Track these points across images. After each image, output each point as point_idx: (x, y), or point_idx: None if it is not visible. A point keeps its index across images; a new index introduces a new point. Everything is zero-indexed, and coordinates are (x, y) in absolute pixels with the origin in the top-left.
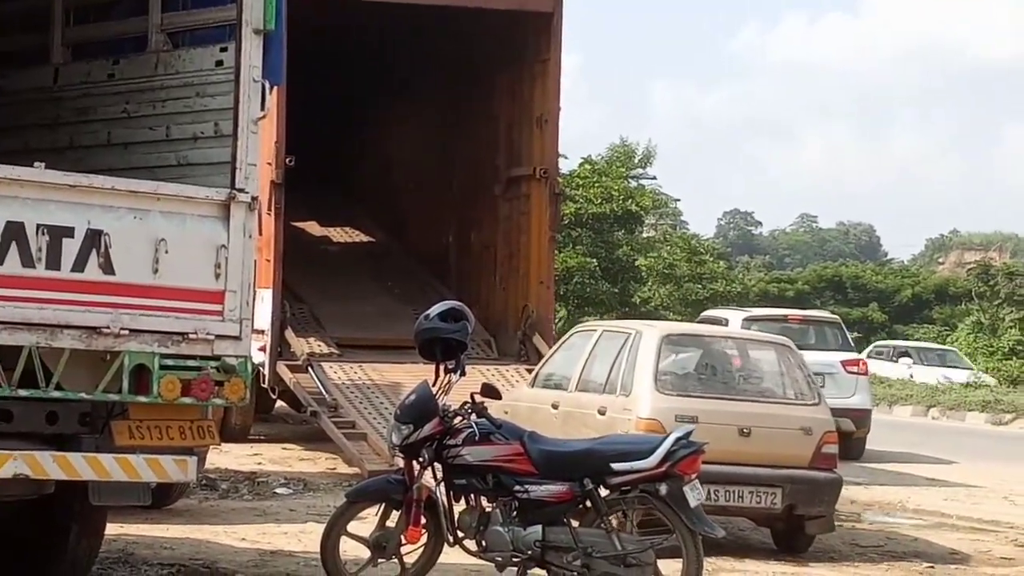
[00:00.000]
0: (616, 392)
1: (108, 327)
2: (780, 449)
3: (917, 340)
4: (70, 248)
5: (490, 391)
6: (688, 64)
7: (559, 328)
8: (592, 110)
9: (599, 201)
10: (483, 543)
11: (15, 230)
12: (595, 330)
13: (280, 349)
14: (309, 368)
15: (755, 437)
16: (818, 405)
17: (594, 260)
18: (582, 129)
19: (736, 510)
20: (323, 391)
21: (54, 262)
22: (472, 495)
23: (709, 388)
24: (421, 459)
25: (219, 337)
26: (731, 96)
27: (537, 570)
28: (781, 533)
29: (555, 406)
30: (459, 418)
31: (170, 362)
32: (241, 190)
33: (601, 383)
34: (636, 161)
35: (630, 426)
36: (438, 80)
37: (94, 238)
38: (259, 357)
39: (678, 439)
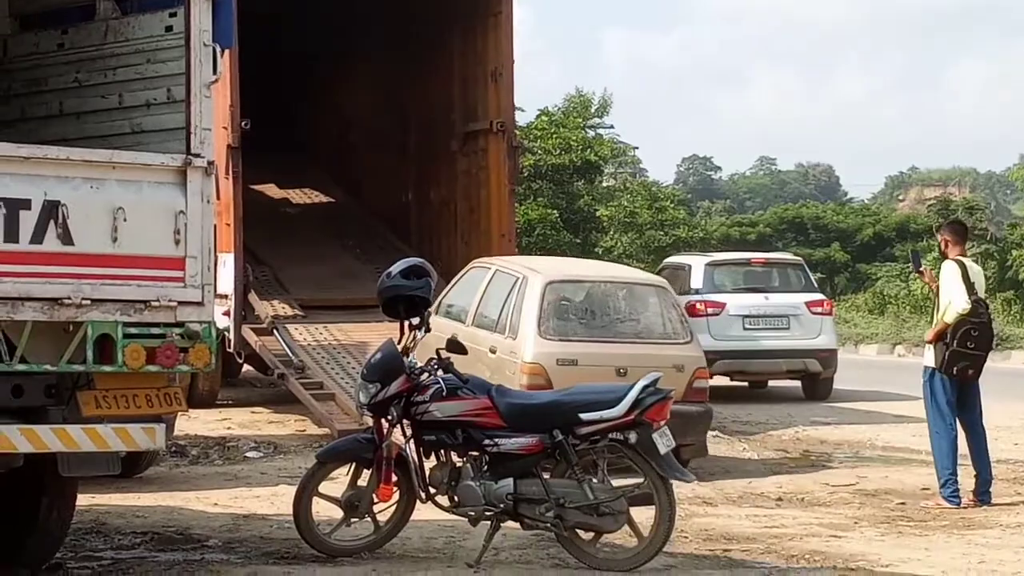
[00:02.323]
0: (505, 333)
1: (70, 298)
2: None
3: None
4: (28, 220)
5: (455, 346)
6: (638, 11)
7: None
8: (546, 63)
9: (558, 152)
10: (455, 498)
11: None
12: (490, 268)
13: (244, 313)
14: (274, 331)
15: (631, 376)
16: (690, 343)
17: (555, 211)
18: (538, 82)
19: None
20: (289, 353)
21: (12, 235)
22: (442, 451)
23: (589, 331)
24: (390, 417)
25: (182, 303)
26: (682, 42)
27: (511, 523)
28: None
29: None
30: (426, 374)
31: (134, 330)
32: (197, 155)
33: (493, 321)
34: (593, 111)
35: (515, 368)
36: (392, 37)
37: (51, 209)
38: (223, 322)
39: (645, 387)
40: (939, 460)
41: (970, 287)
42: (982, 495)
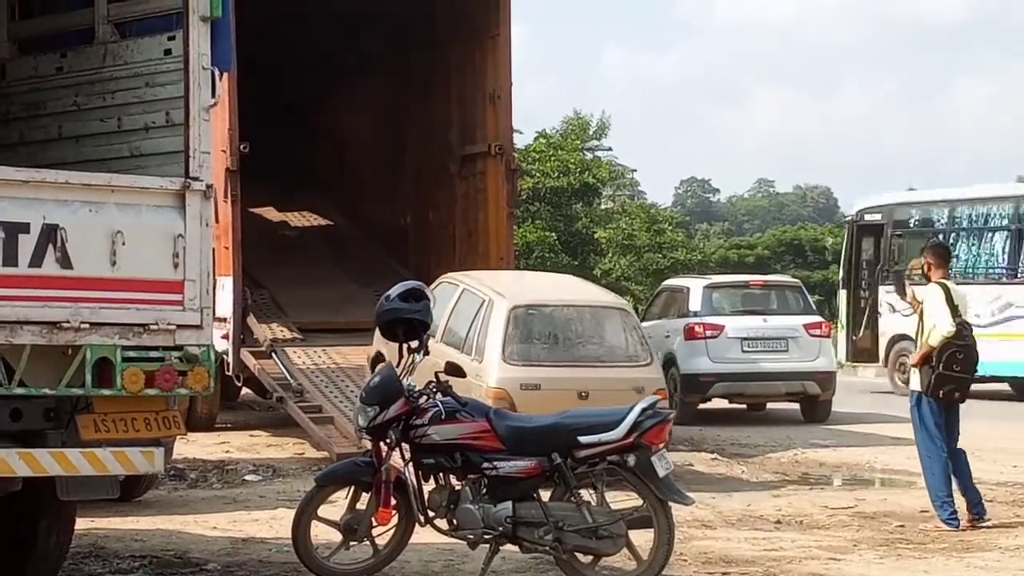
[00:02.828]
0: (472, 355)
1: (68, 321)
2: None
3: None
4: (26, 244)
5: (454, 369)
6: (636, 29)
7: None
8: (544, 82)
9: (556, 175)
10: (454, 521)
11: None
12: (458, 285)
13: (243, 336)
14: (273, 354)
15: (593, 398)
16: (650, 365)
17: (553, 234)
18: (535, 102)
19: None
20: (288, 376)
21: (11, 258)
22: (441, 474)
23: (552, 356)
24: (388, 440)
25: (180, 327)
26: (681, 59)
27: (509, 546)
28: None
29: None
30: (424, 397)
31: (132, 354)
32: (196, 178)
33: (460, 340)
34: (591, 133)
35: (482, 392)
36: (390, 60)
37: (50, 233)
38: (222, 345)
39: (644, 410)
40: (932, 484)
41: (954, 309)
42: (976, 510)
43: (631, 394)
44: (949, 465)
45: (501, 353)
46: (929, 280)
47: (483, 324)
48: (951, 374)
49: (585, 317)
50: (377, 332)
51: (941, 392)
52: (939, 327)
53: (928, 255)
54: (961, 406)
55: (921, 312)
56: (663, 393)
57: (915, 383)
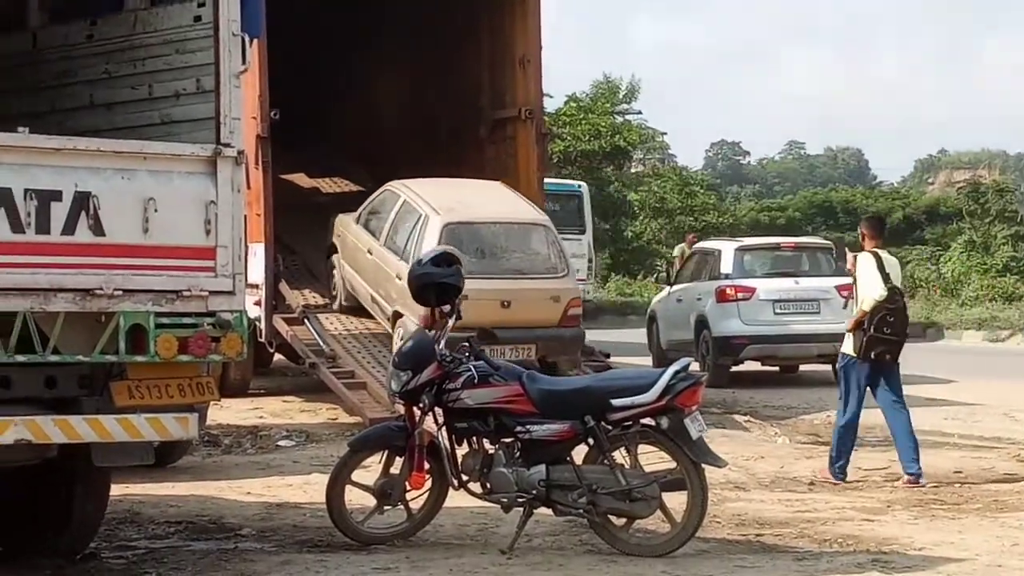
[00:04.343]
0: (409, 263)
1: (101, 288)
2: (534, 315)
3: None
4: (59, 211)
5: (486, 334)
6: None
7: None
8: (574, 46)
9: (587, 138)
10: (487, 485)
11: (3, 196)
12: (399, 196)
13: (275, 302)
14: (305, 320)
15: (514, 307)
16: (566, 276)
17: None
18: (566, 66)
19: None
20: (320, 342)
21: (44, 226)
22: (474, 438)
23: (479, 268)
24: (421, 404)
25: (213, 293)
26: (710, 23)
27: (543, 509)
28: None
29: (370, 252)
30: (457, 362)
31: (165, 320)
32: (227, 145)
33: (400, 248)
34: (621, 97)
35: None
36: (420, 23)
37: (82, 200)
38: (254, 311)
39: (676, 372)
40: (839, 443)
41: (885, 276)
42: (911, 471)
43: (549, 303)
44: (856, 427)
45: None
46: (864, 250)
47: (419, 236)
48: (882, 336)
49: (510, 233)
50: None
51: (873, 354)
52: (871, 293)
53: (864, 226)
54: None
55: (855, 279)
56: (576, 302)
57: (847, 347)
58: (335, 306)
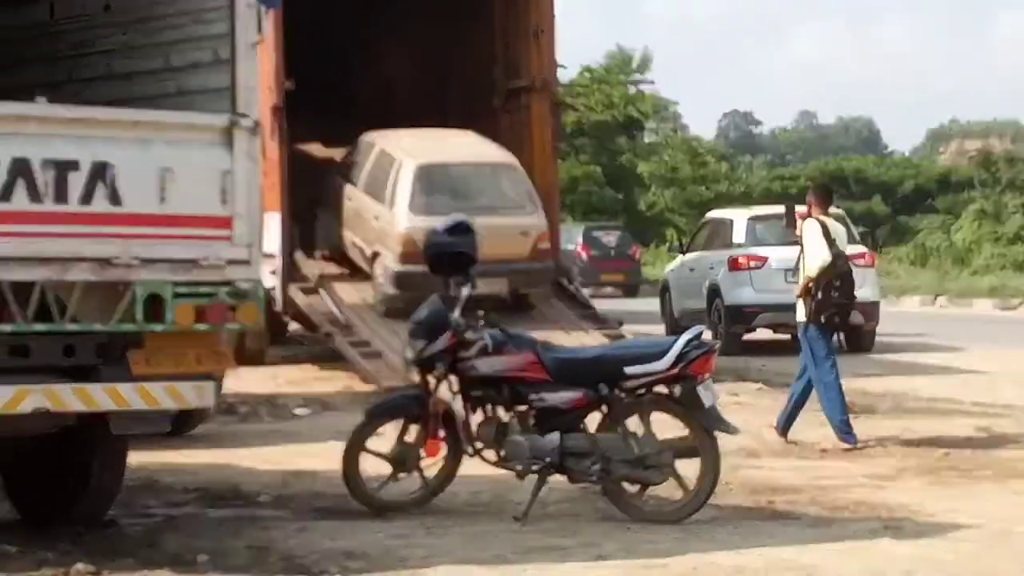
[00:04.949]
0: (385, 204)
1: (119, 257)
2: (505, 250)
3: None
4: (76, 181)
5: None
6: None
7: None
8: (587, 17)
9: (600, 108)
10: (502, 453)
11: (21, 166)
12: (375, 145)
13: (291, 272)
14: (321, 289)
15: (486, 241)
16: (535, 213)
17: (598, 168)
18: (579, 37)
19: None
20: (336, 311)
21: (61, 196)
22: (489, 406)
23: (452, 208)
24: (436, 373)
25: (230, 262)
26: None
27: (557, 476)
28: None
29: (349, 198)
30: (471, 330)
31: (183, 289)
32: (243, 115)
33: (377, 192)
34: (634, 67)
35: (393, 236)
36: None
37: (100, 170)
38: (270, 281)
39: (689, 340)
40: (830, 408)
41: (831, 243)
42: (845, 435)
43: (518, 238)
44: (841, 386)
45: (408, 204)
46: (811, 217)
47: (395, 179)
48: (832, 301)
49: (480, 173)
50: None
51: (823, 318)
52: (817, 259)
53: (811, 195)
54: None
55: (803, 246)
56: (544, 236)
57: (800, 314)
58: (317, 254)
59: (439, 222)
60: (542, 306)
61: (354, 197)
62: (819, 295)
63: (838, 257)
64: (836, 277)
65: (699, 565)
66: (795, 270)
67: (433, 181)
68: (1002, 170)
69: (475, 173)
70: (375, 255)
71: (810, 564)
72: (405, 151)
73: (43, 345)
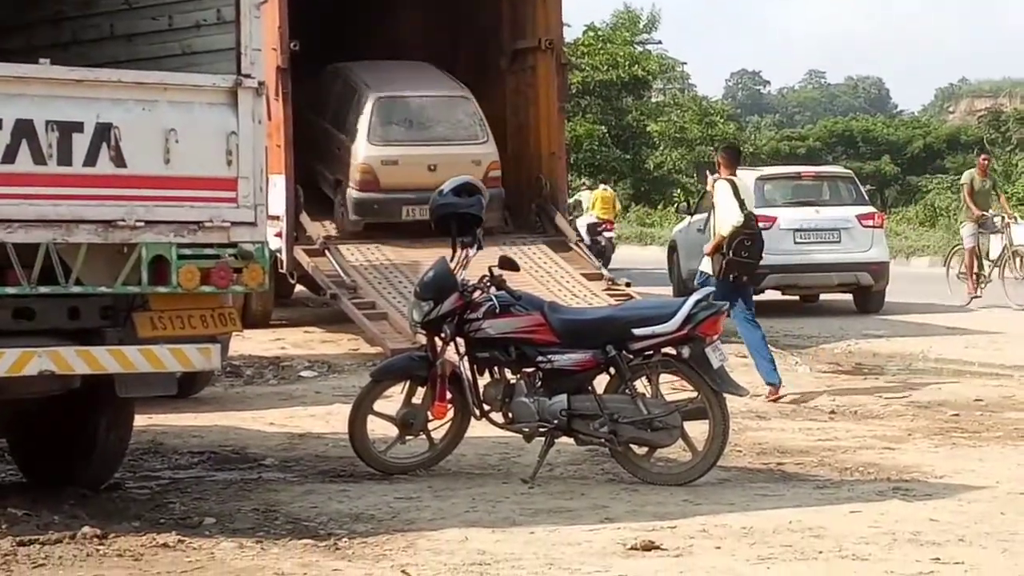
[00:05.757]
0: (345, 135)
1: (123, 220)
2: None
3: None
4: (80, 143)
5: (507, 263)
6: None
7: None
8: None
9: (605, 68)
10: (509, 415)
11: (24, 128)
12: (338, 74)
13: (296, 234)
14: (326, 251)
15: (440, 170)
16: (486, 143)
17: (604, 127)
18: None
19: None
20: (341, 273)
21: (65, 158)
22: (496, 368)
23: (407, 136)
24: (443, 334)
25: (235, 224)
26: None
27: (565, 438)
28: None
29: (318, 130)
30: (478, 292)
31: (188, 251)
32: (247, 76)
33: (340, 123)
34: (641, 26)
35: (353, 166)
36: None
37: (104, 132)
38: (275, 243)
39: (697, 302)
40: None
41: (741, 203)
42: (771, 381)
43: (470, 166)
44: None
45: (367, 135)
46: (720, 177)
47: (355, 109)
48: (740, 260)
49: (436, 104)
50: None
51: (731, 276)
52: (728, 218)
53: (720, 156)
54: None
55: (713, 205)
56: (496, 165)
57: (706, 267)
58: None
59: (446, 184)
60: (496, 228)
61: (319, 128)
62: (730, 253)
63: (749, 217)
64: (747, 236)
65: (708, 527)
66: (704, 229)
67: (391, 113)
68: (1012, 129)
69: (431, 104)
70: (338, 183)
71: (819, 526)
72: (365, 83)
73: (48, 308)
